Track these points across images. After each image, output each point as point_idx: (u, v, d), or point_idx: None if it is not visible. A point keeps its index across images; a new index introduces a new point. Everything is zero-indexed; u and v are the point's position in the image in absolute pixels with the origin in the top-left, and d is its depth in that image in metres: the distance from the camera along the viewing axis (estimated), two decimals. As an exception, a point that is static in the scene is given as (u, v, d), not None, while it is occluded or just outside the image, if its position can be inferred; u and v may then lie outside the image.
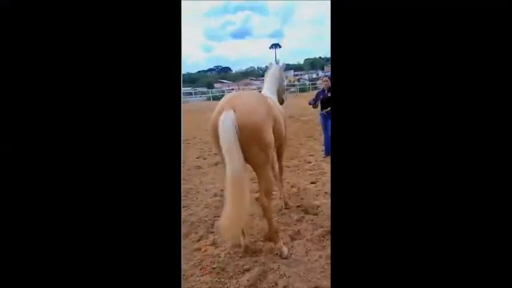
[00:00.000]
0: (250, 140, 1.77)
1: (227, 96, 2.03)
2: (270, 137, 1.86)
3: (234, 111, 1.76)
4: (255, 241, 2.22)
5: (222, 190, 3.13)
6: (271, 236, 2.04)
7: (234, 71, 75.07)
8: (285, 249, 2.03)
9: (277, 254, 2.02)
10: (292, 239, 2.23)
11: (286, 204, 2.83)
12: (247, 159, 1.82)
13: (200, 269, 1.91)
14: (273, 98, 2.64)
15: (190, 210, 2.89)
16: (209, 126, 1.91)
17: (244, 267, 1.89)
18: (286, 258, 1.99)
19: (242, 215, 1.75)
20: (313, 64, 61.61)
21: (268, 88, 2.80)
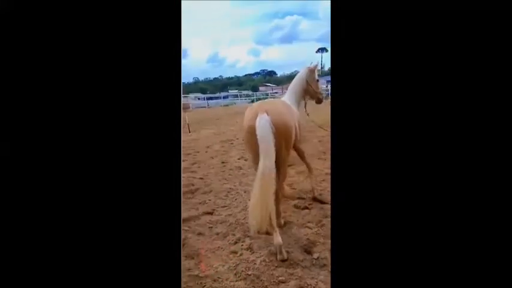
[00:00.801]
0: (281, 138, 2.08)
1: (256, 104, 2.31)
2: (294, 136, 2.24)
3: (268, 115, 2.02)
4: (291, 251, 2.12)
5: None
6: (274, 222, 2.08)
7: (278, 75, 75.36)
8: (279, 239, 2.04)
9: (314, 264, 1.94)
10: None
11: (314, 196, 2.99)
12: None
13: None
14: (291, 105, 2.76)
15: (230, 211, 2.91)
16: (245, 130, 2.15)
17: (280, 278, 1.81)
18: (278, 243, 2.03)
19: (268, 205, 1.92)
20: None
21: (288, 95, 2.90)
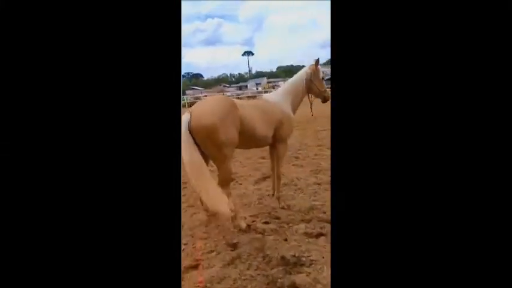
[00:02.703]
0: (202, 140, 2.19)
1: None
2: (226, 136, 2.19)
3: (190, 115, 2.18)
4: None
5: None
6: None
7: (205, 78, 74.48)
8: (243, 224, 2.46)
9: None
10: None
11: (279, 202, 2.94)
12: (207, 155, 2.30)
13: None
14: (279, 100, 2.78)
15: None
16: None
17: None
18: (245, 231, 2.39)
19: (208, 190, 2.16)
20: (287, 72, 63.22)
21: (282, 95, 2.86)
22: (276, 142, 2.80)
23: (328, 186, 3.32)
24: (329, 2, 0.93)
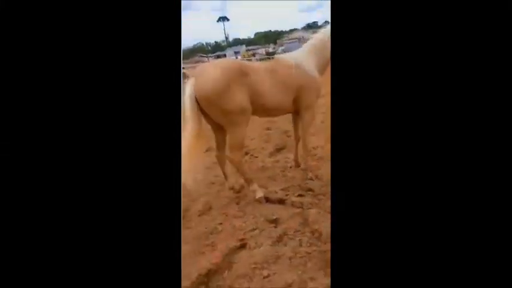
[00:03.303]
0: (207, 106, 2.12)
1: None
2: (233, 103, 2.09)
3: (193, 81, 2.11)
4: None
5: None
6: (244, 180, 2.48)
7: (180, 48, 70.15)
8: (259, 192, 2.41)
9: None
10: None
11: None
12: (213, 121, 2.29)
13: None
14: (302, 61, 2.49)
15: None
16: None
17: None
18: (259, 201, 2.38)
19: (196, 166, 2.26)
20: (266, 38, 60.91)
21: (308, 47, 2.58)
22: (299, 109, 2.60)
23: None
24: (329, 2, 0.93)
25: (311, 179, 2.73)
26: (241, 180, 2.64)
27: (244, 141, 2.44)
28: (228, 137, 2.37)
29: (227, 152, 2.48)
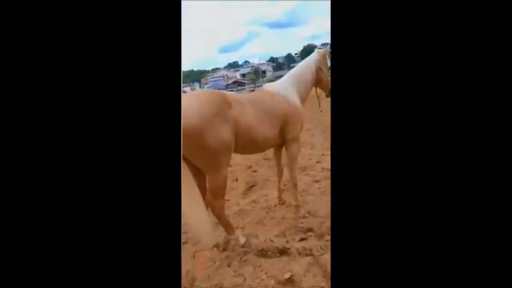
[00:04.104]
0: (187, 145, 1.68)
1: None
2: (216, 140, 1.76)
3: None
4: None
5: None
6: (225, 230, 2.10)
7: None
8: (241, 238, 2.07)
9: None
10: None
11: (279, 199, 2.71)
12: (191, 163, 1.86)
13: None
14: (284, 91, 2.33)
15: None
16: None
17: None
18: (244, 246, 2.01)
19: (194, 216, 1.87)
20: (190, 77, 61.31)
21: (290, 84, 2.41)
22: (285, 142, 2.36)
23: (327, 181, 3.09)
24: (329, 2, 0.92)
25: (304, 216, 2.41)
26: (223, 232, 2.14)
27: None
28: (209, 182, 1.96)
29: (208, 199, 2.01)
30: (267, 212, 2.64)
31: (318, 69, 2.50)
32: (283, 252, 1.97)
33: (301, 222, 2.33)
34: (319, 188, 2.97)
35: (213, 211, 2.04)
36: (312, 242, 2.03)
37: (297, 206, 2.46)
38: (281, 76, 2.68)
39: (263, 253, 1.98)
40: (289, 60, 54.44)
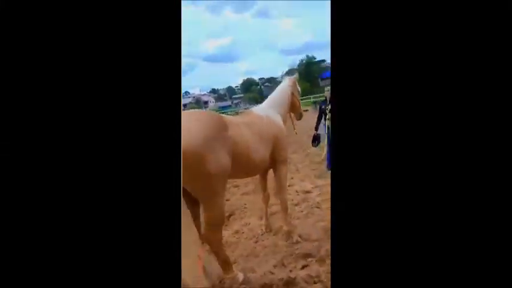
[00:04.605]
0: (186, 171, 1.42)
1: None
2: (216, 164, 1.60)
3: None
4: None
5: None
6: (222, 267, 1.86)
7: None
8: (239, 276, 1.88)
9: None
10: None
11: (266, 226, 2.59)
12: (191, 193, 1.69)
13: None
14: (270, 113, 2.37)
15: None
16: None
17: None
18: (243, 283, 1.84)
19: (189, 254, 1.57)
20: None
21: (272, 107, 2.46)
22: (274, 163, 2.31)
23: (306, 203, 3.09)
24: (329, 2, 0.92)
25: (297, 241, 2.32)
26: (218, 270, 1.90)
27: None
28: (206, 212, 1.76)
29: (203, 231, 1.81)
30: (256, 242, 2.47)
31: (292, 95, 2.63)
32: (289, 284, 1.83)
33: (297, 248, 2.22)
34: (302, 211, 2.94)
35: (211, 247, 1.82)
36: (315, 268, 1.94)
37: (289, 231, 2.36)
38: (224, 107, 2.81)
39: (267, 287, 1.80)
40: (231, 92, 56.07)
